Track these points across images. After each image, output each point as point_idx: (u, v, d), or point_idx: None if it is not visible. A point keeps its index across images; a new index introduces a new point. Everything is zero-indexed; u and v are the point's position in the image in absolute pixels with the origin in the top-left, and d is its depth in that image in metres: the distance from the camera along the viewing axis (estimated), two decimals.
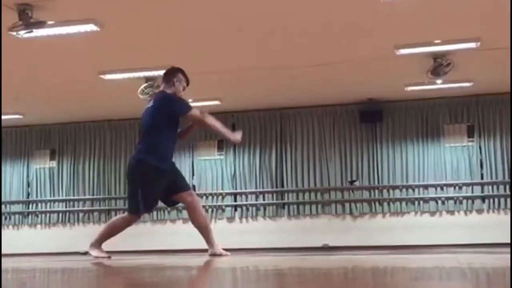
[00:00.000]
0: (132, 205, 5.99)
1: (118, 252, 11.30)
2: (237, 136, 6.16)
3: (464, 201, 11.21)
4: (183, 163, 12.36)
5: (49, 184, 12.89)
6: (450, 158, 11.35)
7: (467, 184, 11.27)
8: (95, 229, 12.50)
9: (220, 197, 12.10)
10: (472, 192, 11.22)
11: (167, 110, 5.87)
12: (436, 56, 8.76)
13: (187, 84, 6.13)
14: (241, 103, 11.54)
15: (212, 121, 6.02)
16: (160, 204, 13.93)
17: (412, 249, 9.72)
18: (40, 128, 13.02)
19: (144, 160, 5.81)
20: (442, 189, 11.33)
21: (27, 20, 6.55)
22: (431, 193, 11.36)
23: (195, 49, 8.30)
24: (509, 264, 3.38)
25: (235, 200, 12.15)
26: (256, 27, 7.60)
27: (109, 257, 6.07)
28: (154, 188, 5.84)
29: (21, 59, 8.46)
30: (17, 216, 12.91)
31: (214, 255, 5.96)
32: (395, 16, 7.31)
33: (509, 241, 9.46)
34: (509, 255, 4.43)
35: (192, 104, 6.25)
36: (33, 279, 3.11)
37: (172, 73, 6.09)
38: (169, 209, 12.24)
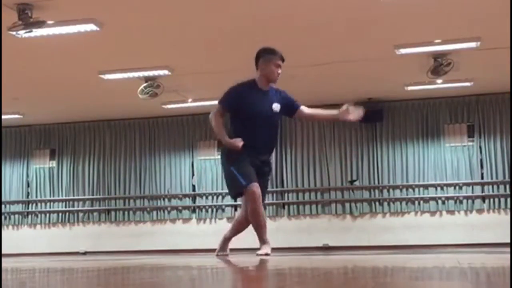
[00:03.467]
0: (234, 188, 5.74)
1: (118, 252, 11.35)
2: (233, 143, 5.67)
3: (464, 201, 11.21)
4: (183, 163, 12.37)
5: (49, 184, 12.88)
6: (450, 158, 11.35)
7: (467, 184, 11.26)
8: (94, 229, 12.55)
9: (220, 197, 12.09)
10: (472, 192, 11.22)
11: None
12: (436, 56, 8.76)
13: (280, 60, 5.87)
14: None
15: (212, 122, 6.01)
16: (160, 204, 13.84)
17: (412, 249, 9.72)
18: (40, 128, 13.02)
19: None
20: (442, 189, 11.33)
21: (27, 20, 6.55)
22: (431, 193, 11.35)
23: (195, 49, 8.30)
24: (509, 264, 3.38)
25: (235, 200, 12.13)
26: (256, 27, 7.59)
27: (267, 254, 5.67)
28: (242, 162, 5.62)
29: (21, 59, 8.46)
30: (17, 216, 12.91)
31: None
32: (395, 16, 7.31)
33: (509, 241, 9.46)
34: (509, 255, 4.43)
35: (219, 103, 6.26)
36: (33, 279, 3.11)
37: (255, 59, 5.97)
38: (169, 209, 12.25)
